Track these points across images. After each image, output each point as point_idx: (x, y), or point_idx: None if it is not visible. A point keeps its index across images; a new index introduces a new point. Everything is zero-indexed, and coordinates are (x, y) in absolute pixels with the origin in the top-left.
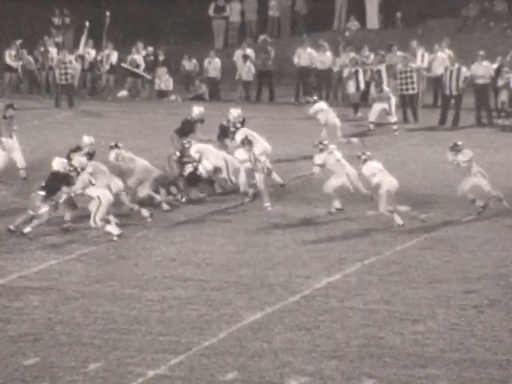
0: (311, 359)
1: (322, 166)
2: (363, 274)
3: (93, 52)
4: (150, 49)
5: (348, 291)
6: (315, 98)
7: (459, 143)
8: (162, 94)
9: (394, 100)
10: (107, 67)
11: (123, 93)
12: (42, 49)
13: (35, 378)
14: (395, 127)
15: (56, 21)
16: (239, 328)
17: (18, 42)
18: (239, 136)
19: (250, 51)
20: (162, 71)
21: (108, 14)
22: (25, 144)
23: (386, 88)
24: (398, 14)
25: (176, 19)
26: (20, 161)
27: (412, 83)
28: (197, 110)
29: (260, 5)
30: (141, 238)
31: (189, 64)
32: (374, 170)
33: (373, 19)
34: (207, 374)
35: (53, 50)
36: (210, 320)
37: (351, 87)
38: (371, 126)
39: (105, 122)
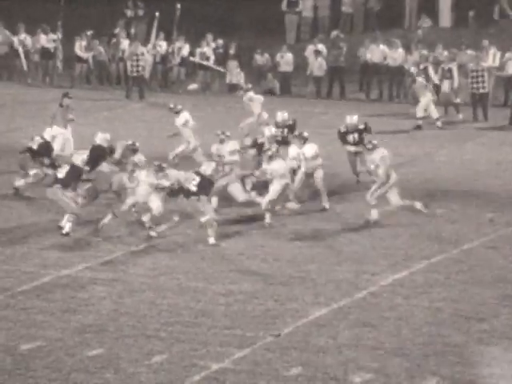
0: (376, 356)
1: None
2: (429, 272)
3: (164, 44)
4: (220, 41)
5: (414, 289)
6: None
7: None
8: (233, 88)
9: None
10: (178, 60)
11: (194, 86)
12: (114, 40)
13: (99, 368)
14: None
15: (128, 12)
16: (304, 323)
17: (89, 32)
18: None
19: (321, 47)
20: (233, 65)
21: (179, 6)
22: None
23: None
24: (471, 13)
25: (249, 13)
26: (60, 151)
27: (483, 82)
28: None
29: (333, 0)
30: None
31: (261, 58)
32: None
33: (445, 17)
34: (271, 369)
35: (124, 42)
36: (275, 315)
37: (445, 85)
38: (420, 122)
39: (172, 114)
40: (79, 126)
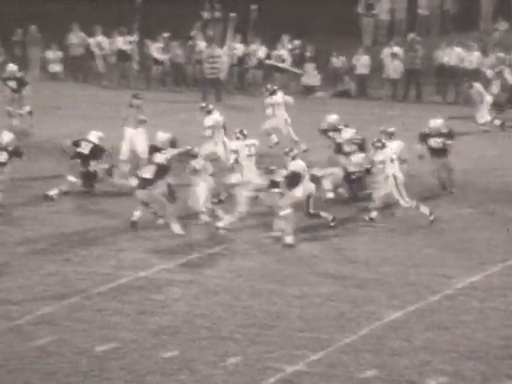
0: (451, 359)
1: None
2: (505, 275)
3: (241, 47)
4: (297, 42)
5: (489, 292)
6: None
7: None
8: (309, 90)
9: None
10: (254, 62)
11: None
12: (190, 42)
13: (175, 370)
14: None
15: (205, 15)
16: (379, 326)
17: (166, 34)
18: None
19: (397, 49)
20: (310, 67)
21: (254, 8)
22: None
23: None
24: None
25: (325, 15)
26: (143, 153)
27: None
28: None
29: (409, 3)
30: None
31: (337, 61)
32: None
33: None
34: (346, 371)
35: (201, 44)
36: (350, 317)
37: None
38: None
39: (252, 117)
40: (155, 128)
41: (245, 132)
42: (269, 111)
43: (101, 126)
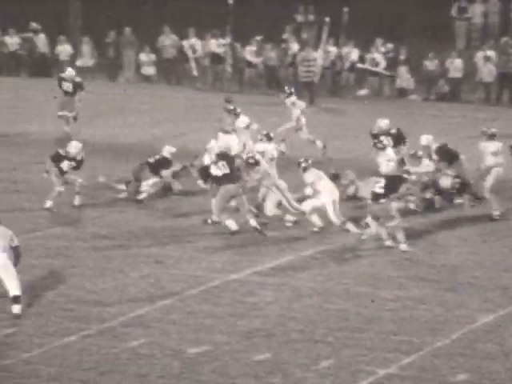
0: None
1: None
2: None
3: (334, 50)
4: (390, 45)
5: None
6: None
7: None
8: (403, 93)
9: None
10: (347, 65)
11: (364, 91)
12: (284, 45)
13: (267, 373)
14: None
15: (299, 18)
16: (471, 329)
17: (259, 37)
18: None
19: (491, 53)
20: (403, 70)
21: (346, 10)
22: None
23: None
24: None
25: (418, 19)
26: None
27: None
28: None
29: (502, 6)
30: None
31: (430, 64)
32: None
33: None
34: (438, 375)
35: (294, 47)
36: (442, 321)
37: None
38: None
39: (345, 120)
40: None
41: (271, 135)
42: (296, 112)
43: (195, 128)
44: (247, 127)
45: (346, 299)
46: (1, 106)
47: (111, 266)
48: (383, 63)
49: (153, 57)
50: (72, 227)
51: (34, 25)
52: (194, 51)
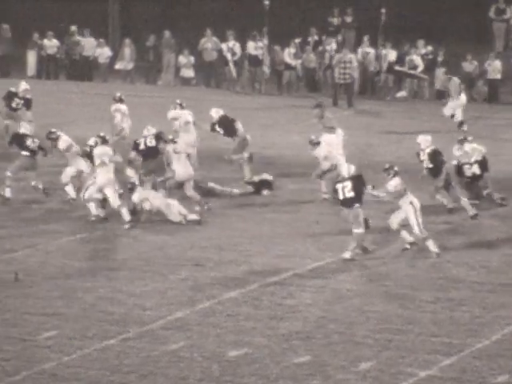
0: None
1: None
2: None
3: (371, 51)
4: (430, 48)
5: None
6: None
7: None
8: (441, 95)
9: None
10: (385, 67)
11: (402, 93)
12: (321, 47)
13: (306, 375)
14: None
15: (335, 21)
16: None
17: (297, 40)
18: None
19: None
20: (441, 72)
21: (384, 11)
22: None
23: None
24: None
25: (456, 20)
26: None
27: None
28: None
29: None
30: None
31: (469, 65)
32: None
33: None
34: (478, 376)
35: (331, 49)
36: (483, 322)
37: None
38: None
39: (382, 122)
40: (287, 134)
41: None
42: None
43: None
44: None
45: (386, 301)
46: (41, 110)
47: (151, 269)
48: (421, 65)
49: (192, 59)
50: (112, 229)
51: (73, 28)
52: (233, 54)
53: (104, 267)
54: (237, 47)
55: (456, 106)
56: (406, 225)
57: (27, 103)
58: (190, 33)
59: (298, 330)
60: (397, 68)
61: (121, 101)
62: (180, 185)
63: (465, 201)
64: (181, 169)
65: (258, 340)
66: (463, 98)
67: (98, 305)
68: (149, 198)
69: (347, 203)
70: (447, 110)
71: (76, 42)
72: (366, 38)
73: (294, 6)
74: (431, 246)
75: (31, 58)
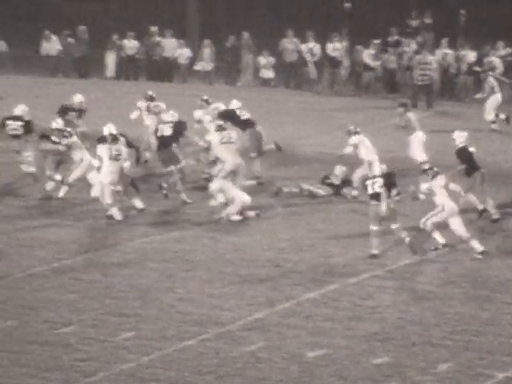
0: None
1: None
2: None
3: (450, 52)
4: (510, 49)
5: None
6: None
7: None
8: None
9: None
10: (464, 68)
11: (481, 95)
12: (399, 49)
13: (385, 377)
14: None
15: (413, 23)
16: None
17: (377, 41)
18: None
19: None
20: None
21: (463, 12)
22: (385, 144)
23: None
24: None
25: None
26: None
27: None
28: None
29: None
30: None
31: None
32: None
33: None
34: None
35: (410, 50)
36: None
37: None
38: None
39: (461, 124)
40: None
41: None
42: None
43: (313, 132)
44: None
45: (464, 302)
46: (122, 110)
47: (229, 270)
48: (501, 67)
49: (272, 60)
50: (189, 230)
51: (154, 28)
52: (313, 55)
53: (181, 268)
54: (316, 48)
55: None
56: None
57: (81, 113)
58: (269, 34)
59: (376, 331)
60: (477, 69)
61: (151, 99)
62: (232, 174)
63: (490, 203)
64: (230, 158)
65: (336, 341)
66: None
67: (176, 305)
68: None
69: (376, 197)
70: None
71: (156, 42)
72: (444, 41)
73: (373, 8)
74: (476, 245)
75: (110, 59)
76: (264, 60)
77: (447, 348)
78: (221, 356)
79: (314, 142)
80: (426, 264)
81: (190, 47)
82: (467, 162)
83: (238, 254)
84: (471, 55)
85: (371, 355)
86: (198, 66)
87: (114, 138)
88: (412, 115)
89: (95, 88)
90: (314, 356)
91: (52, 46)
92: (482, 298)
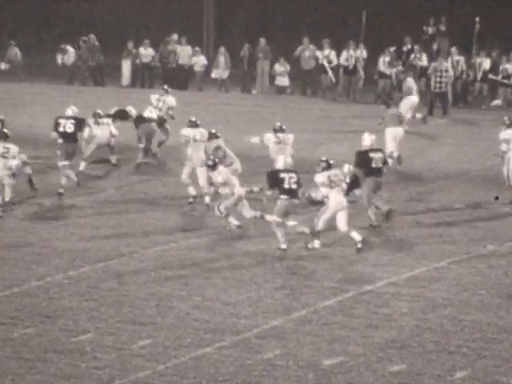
0: None
1: None
2: None
3: (460, 58)
4: None
5: None
6: None
7: None
8: None
9: None
10: (480, 75)
11: (497, 102)
12: (412, 56)
13: None
14: None
15: (430, 30)
16: None
17: (392, 49)
18: None
19: None
20: None
21: (478, 19)
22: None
23: None
24: None
25: None
26: None
27: None
28: None
29: None
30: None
31: None
32: None
33: None
34: None
35: (423, 58)
36: None
37: None
38: None
39: (477, 131)
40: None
41: None
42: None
43: (328, 139)
44: None
45: (480, 310)
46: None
47: (246, 277)
48: None
49: (287, 67)
50: (206, 238)
51: (175, 36)
52: (329, 62)
53: (198, 276)
54: (332, 55)
55: None
56: None
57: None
58: (285, 41)
59: (393, 338)
60: (491, 76)
61: (167, 92)
62: None
63: (372, 211)
64: (280, 157)
65: (353, 348)
66: None
67: (192, 313)
68: (232, 183)
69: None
70: None
71: (172, 50)
72: (453, 48)
73: (389, 15)
74: (355, 235)
75: (126, 67)
76: (280, 67)
77: (464, 355)
78: (237, 364)
79: (330, 150)
80: (441, 271)
81: (205, 55)
82: (361, 167)
83: (255, 261)
84: (486, 62)
85: (388, 363)
86: (214, 74)
87: (5, 136)
88: (392, 111)
89: (110, 96)
90: (331, 364)
91: (68, 57)
92: (499, 305)
